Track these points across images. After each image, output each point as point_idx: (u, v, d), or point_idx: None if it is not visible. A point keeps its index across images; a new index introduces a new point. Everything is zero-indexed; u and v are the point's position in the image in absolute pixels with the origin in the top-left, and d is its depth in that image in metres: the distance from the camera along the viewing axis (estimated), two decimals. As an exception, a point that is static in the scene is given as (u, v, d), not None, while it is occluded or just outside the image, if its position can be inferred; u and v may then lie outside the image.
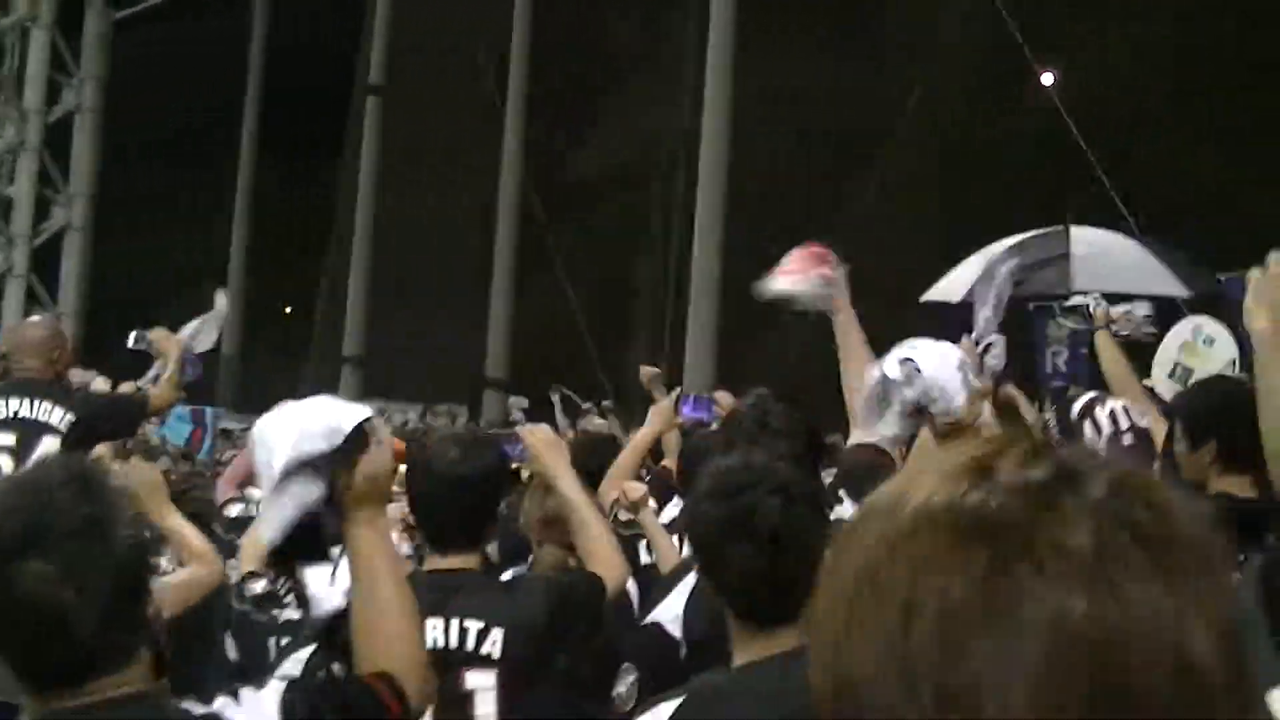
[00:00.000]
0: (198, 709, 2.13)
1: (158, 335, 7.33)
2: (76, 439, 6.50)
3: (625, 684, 3.63)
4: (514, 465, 5.49)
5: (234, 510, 7.20)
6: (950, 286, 11.58)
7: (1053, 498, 0.96)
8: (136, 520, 2.21)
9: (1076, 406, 4.04)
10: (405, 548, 5.34)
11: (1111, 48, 20.38)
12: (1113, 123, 18.98)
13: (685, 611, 3.85)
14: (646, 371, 6.98)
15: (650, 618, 3.81)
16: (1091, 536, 0.94)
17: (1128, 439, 3.93)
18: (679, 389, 6.32)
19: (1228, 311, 8.73)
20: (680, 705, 2.71)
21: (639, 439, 5.95)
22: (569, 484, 4.28)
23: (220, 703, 2.11)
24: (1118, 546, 0.93)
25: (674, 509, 5.57)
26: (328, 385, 29.57)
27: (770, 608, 2.83)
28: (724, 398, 6.27)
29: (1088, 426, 3.91)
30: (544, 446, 4.33)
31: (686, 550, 5.00)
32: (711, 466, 3.15)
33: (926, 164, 22.29)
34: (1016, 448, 1.02)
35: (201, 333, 7.83)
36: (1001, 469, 1.00)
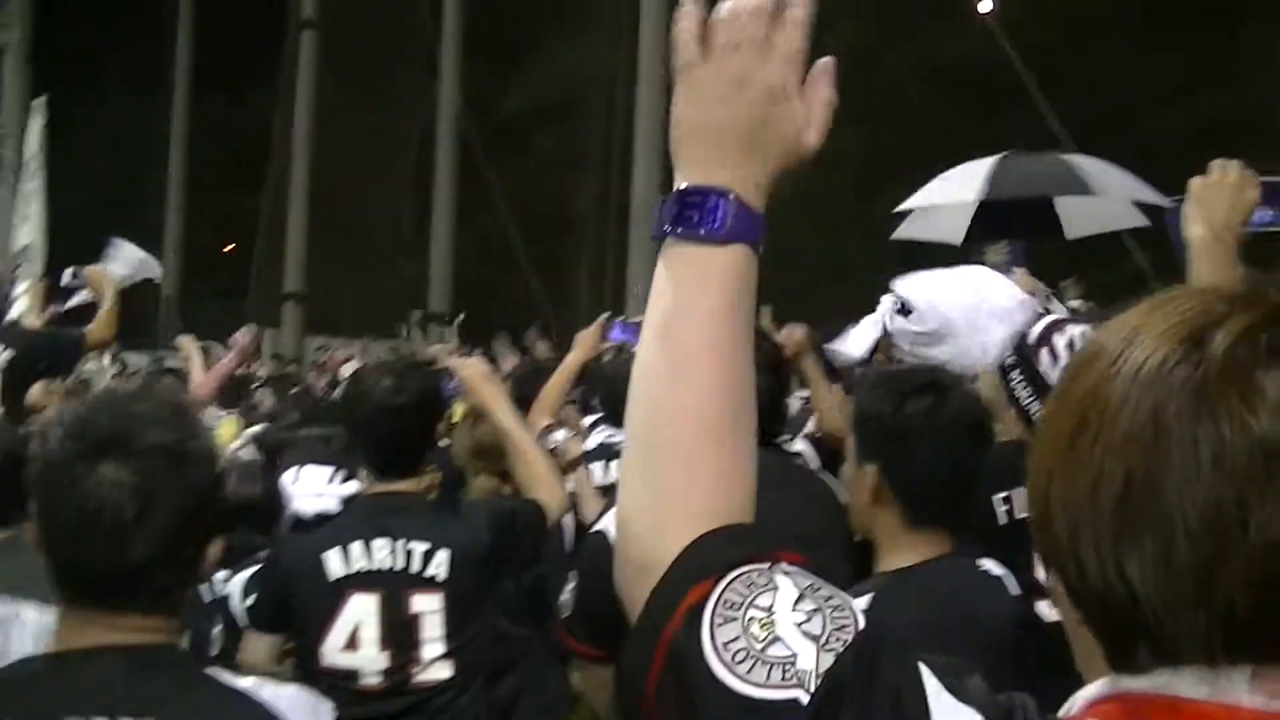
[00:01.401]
0: (232, 679, 2.10)
1: (91, 272, 7.27)
2: (15, 377, 6.45)
3: (568, 592, 3.68)
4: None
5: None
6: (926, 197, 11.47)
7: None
8: (214, 460, 2.20)
9: (1034, 331, 3.94)
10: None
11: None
12: (1048, 44, 19.05)
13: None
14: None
15: (596, 527, 3.85)
16: None
17: None
18: (608, 314, 6.32)
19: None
20: (870, 602, 2.62)
21: (566, 364, 5.99)
22: (504, 414, 4.32)
23: (252, 682, 2.09)
24: None
25: (599, 435, 5.74)
26: (269, 322, 29.42)
27: (944, 510, 2.88)
28: None
29: (1044, 354, 3.84)
30: (478, 379, 4.39)
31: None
32: (894, 370, 3.14)
33: (862, 91, 22.32)
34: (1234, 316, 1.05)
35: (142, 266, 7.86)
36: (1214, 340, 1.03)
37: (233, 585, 4.44)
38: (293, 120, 30.05)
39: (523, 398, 5.47)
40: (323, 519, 3.89)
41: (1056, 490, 1.06)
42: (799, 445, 5.09)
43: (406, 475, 3.95)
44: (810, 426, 5.57)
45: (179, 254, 35.96)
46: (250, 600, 4.40)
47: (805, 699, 1.08)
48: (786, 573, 1.17)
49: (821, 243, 24.05)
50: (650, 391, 1.32)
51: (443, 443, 5.10)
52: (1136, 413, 1.01)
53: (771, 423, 3.93)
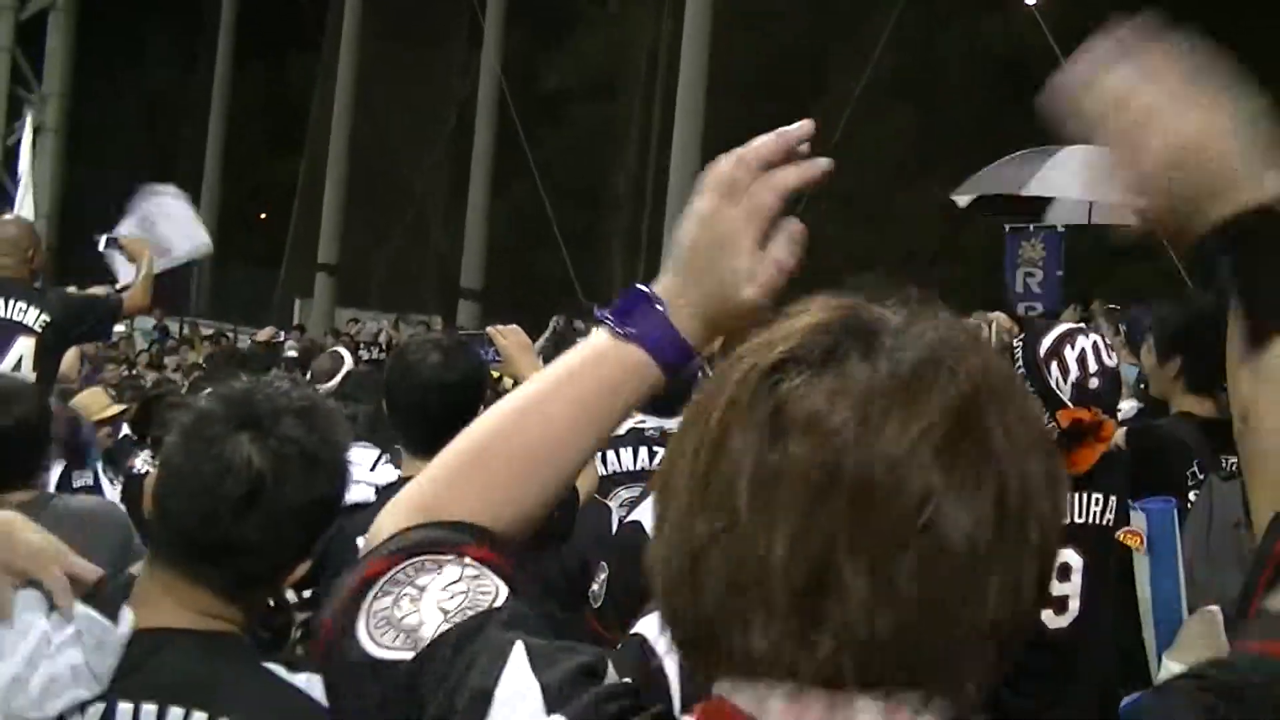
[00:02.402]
0: (289, 675, 2.11)
1: (129, 239, 7.27)
2: (51, 339, 6.46)
3: (599, 581, 3.65)
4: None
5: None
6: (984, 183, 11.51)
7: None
8: (343, 478, 2.23)
9: (1045, 342, 3.88)
10: None
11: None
12: (1091, 33, 18.92)
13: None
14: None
15: (633, 516, 3.82)
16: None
17: (1095, 382, 3.80)
18: None
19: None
20: None
21: None
22: None
23: (305, 679, 2.09)
24: None
25: (628, 420, 5.56)
26: (301, 292, 29.51)
27: None
28: None
29: (1054, 367, 3.79)
30: (516, 349, 4.33)
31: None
32: None
33: (903, 77, 22.25)
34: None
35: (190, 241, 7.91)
36: None
37: None
38: (333, 89, 30.09)
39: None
40: (356, 508, 3.83)
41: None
42: None
43: (449, 454, 3.92)
44: None
45: (214, 220, 36.08)
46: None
47: (410, 658, 1.18)
48: (460, 564, 1.25)
49: (852, 232, 24.03)
50: (518, 409, 1.43)
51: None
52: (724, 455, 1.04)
53: None
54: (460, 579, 1.23)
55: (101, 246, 7.40)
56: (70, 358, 7.18)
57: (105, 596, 2.04)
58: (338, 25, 30.58)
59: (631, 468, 5.29)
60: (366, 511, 4.13)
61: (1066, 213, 11.88)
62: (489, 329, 4.61)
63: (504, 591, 1.22)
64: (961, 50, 22.54)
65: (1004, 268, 13.36)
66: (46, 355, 6.41)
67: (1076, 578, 3.81)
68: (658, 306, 1.41)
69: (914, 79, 22.49)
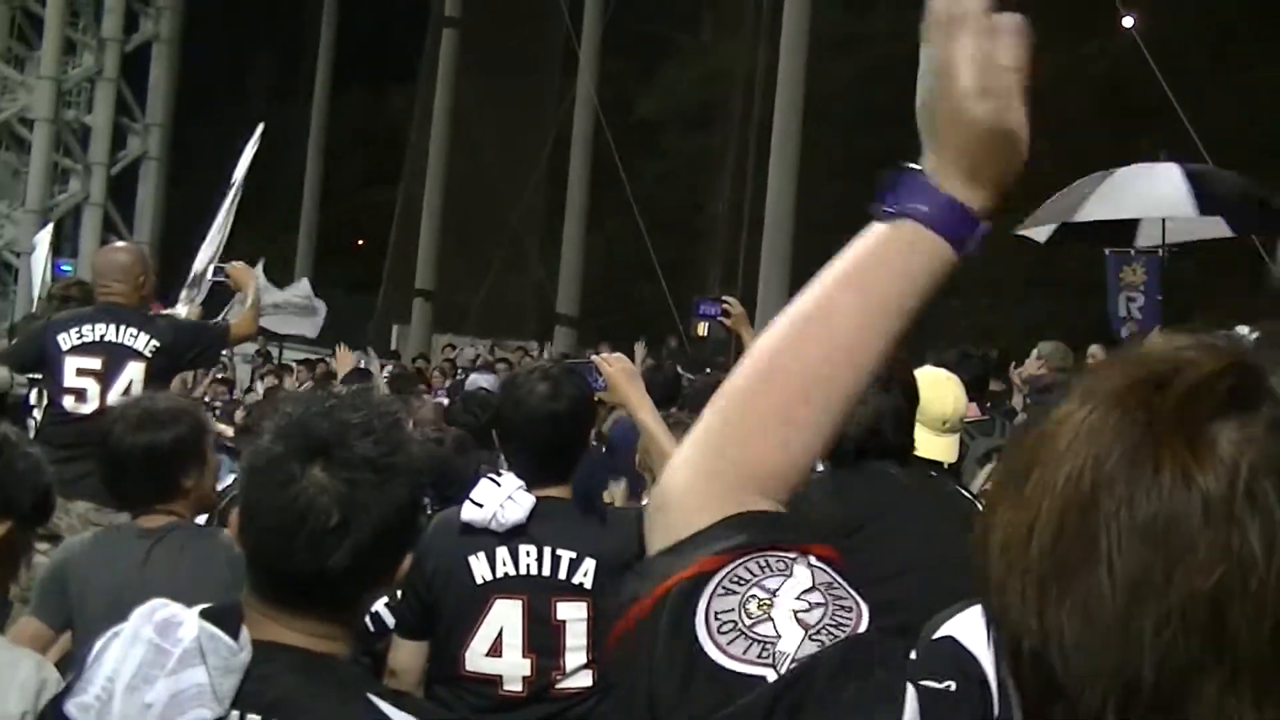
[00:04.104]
0: (391, 709, 2.07)
1: (235, 268, 7.36)
2: (160, 365, 6.54)
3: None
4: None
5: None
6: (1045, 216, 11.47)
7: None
8: (420, 475, 2.21)
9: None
10: None
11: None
12: (1191, 64, 18.73)
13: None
14: (735, 308, 6.86)
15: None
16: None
17: None
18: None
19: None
20: None
21: None
22: (648, 415, 4.25)
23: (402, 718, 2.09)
24: None
25: None
26: (398, 318, 29.74)
27: None
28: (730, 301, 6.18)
29: None
30: (622, 376, 4.31)
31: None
32: None
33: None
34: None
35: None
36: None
37: None
38: (430, 117, 30.35)
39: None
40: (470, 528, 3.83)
41: (996, 534, 0.98)
42: None
43: (558, 482, 3.92)
44: None
45: (311, 247, 36.51)
46: (380, 605, 4.40)
47: (772, 678, 1.07)
48: (810, 565, 1.15)
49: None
50: (790, 339, 1.29)
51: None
52: (1082, 456, 0.93)
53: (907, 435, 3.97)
54: (814, 587, 1.13)
55: (209, 276, 7.49)
56: (176, 384, 7.27)
57: (225, 612, 2.04)
58: (434, 55, 30.87)
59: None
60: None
61: (1156, 234, 11.77)
62: (595, 358, 4.61)
63: (864, 611, 1.12)
64: (1059, 73, 22.35)
65: (1105, 293, 13.21)
66: (155, 380, 6.48)
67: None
68: (922, 178, 1.28)
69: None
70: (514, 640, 3.77)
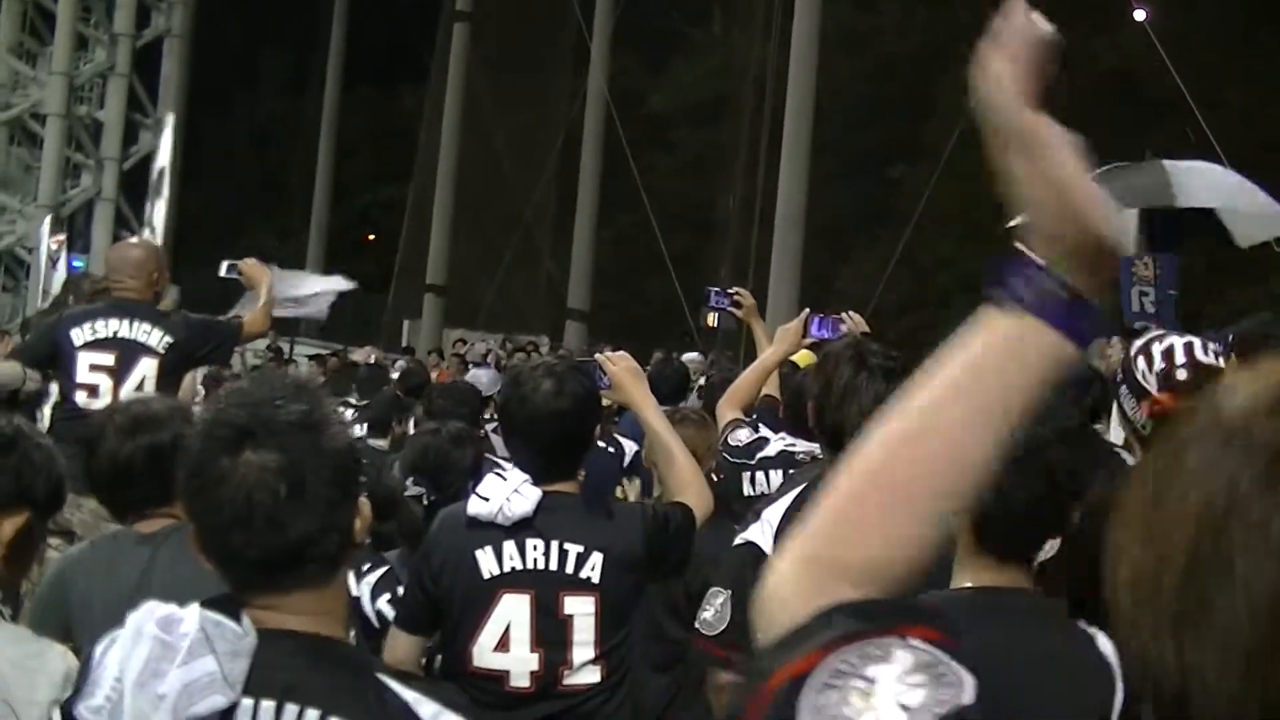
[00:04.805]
0: (401, 689, 2.11)
1: (248, 265, 7.36)
2: (173, 362, 6.56)
3: (714, 607, 3.64)
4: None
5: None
6: None
7: None
8: (348, 423, 2.25)
9: (1138, 343, 3.94)
10: None
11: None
12: (1204, 58, 18.69)
13: (779, 533, 3.83)
14: (746, 299, 6.81)
15: (742, 537, 3.80)
16: None
17: (1183, 374, 3.78)
18: (808, 310, 6.02)
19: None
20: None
21: (765, 359, 5.74)
22: (652, 414, 4.23)
23: (414, 697, 2.11)
24: None
25: (780, 443, 5.40)
26: (409, 313, 29.77)
27: (1021, 542, 2.78)
28: (855, 318, 6.00)
29: (1141, 360, 3.81)
30: (627, 375, 4.30)
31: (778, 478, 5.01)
32: None
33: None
34: None
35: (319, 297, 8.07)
36: None
37: (362, 588, 4.46)
38: (441, 113, 30.36)
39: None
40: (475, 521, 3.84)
41: (1124, 569, 0.97)
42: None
43: (564, 478, 3.93)
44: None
45: (323, 243, 36.55)
46: (382, 601, 4.42)
47: None
48: (909, 647, 1.12)
49: (962, 253, 23.82)
50: (908, 432, 1.27)
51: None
52: (1210, 485, 0.91)
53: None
54: (915, 668, 1.09)
55: (222, 272, 7.49)
56: (188, 380, 7.27)
57: (223, 599, 2.07)
58: (445, 51, 30.89)
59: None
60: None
61: (1252, 230, 11.71)
62: (598, 356, 4.60)
63: (969, 682, 1.08)
64: (1073, 70, 22.34)
65: (1118, 287, 13.18)
66: (167, 376, 6.51)
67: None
68: (1041, 271, 1.23)
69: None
70: (521, 635, 3.78)
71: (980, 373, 1.24)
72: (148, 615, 2.01)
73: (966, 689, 1.08)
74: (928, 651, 1.11)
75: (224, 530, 2.10)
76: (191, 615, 2.00)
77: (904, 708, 1.06)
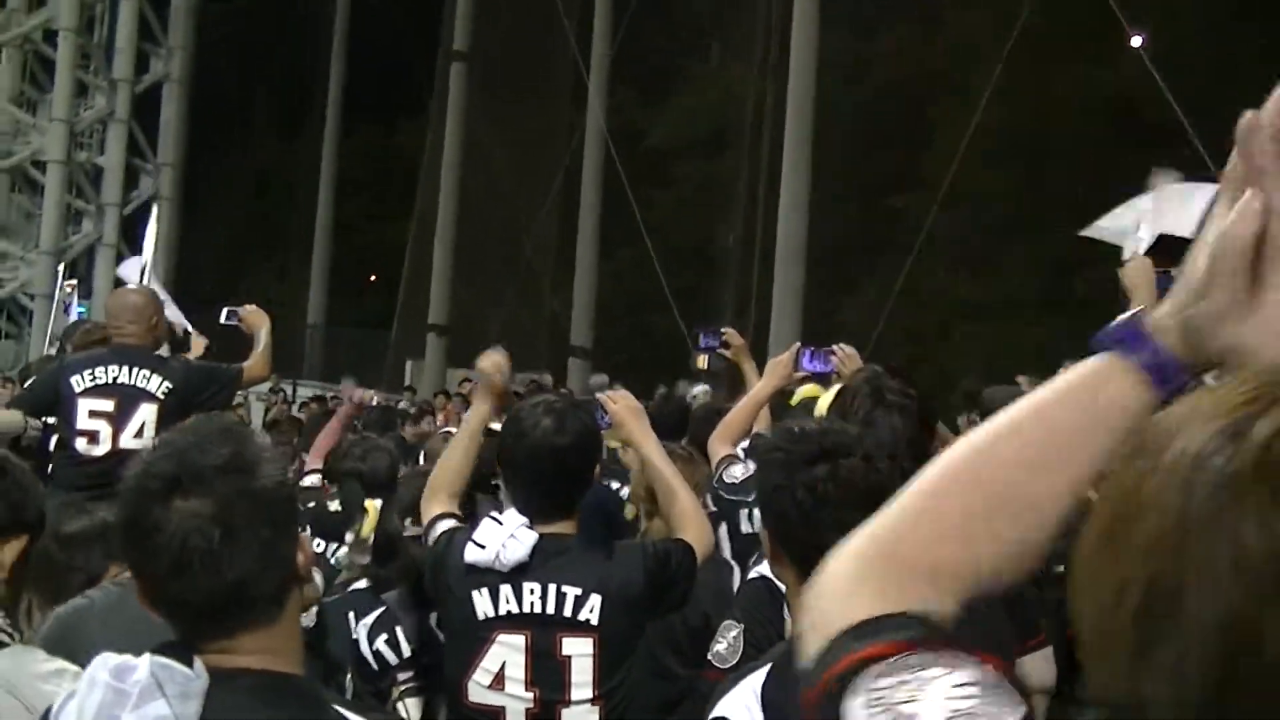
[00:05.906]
0: (356, 716, 2.15)
1: (249, 311, 7.38)
2: (173, 407, 6.57)
3: (727, 640, 3.62)
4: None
5: (308, 480, 7.27)
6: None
7: None
8: (280, 461, 2.27)
9: None
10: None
11: (1204, 8, 20.13)
12: (1201, 84, 18.72)
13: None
14: (735, 339, 6.80)
15: (756, 571, 3.79)
16: None
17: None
18: (798, 344, 5.98)
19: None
20: (769, 671, 2.66)
21: (757, 393, 5.73)
22: (653, 450, 4.23)
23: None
24: None
25: None
26: (412, 353, 29.77)
27: None
28: (846, 351, 5.97)
29: None
30: (627, 413, 4.29)
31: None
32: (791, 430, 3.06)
33: (1010, 127, 22.09)
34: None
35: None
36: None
37: (360, 630, 4.45)
38: (441, 152, 30.41)
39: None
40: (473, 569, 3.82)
41: (1084, 602, 0.96)
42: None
43: (563, 517, 3.91)
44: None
45: (324, 283, 36.58)
46: (380, 642, 4.41)
47: None
48: (981, 669, 1.12)
49: (960, 282, 23.82)
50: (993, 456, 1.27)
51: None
52: (1164, 512, 0.90)
53: None
54: (978, 683, 1.09)
55: (222, 319, 7.52)
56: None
57: (174, 645, 2.09)
58: (444, 90, 30.95)
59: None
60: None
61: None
62: (598, 395, 4.60)
63: (1022, 712, 1.07)
64: (1069, 97, 22.34)
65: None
66: (168, 421, 6.51)
67: None
68: (1153, 335, 1.24)
69: (1021, 128, 22.32)
70: (516, 674, 3.77)
71: (1057, 401, 1.26)
72: (101, 664, 2.03)
73: (1017, 714, 1.07)
74: (997, 677, 1.11)
75: (163, 579, 2.12)
76: (143, 662, 2.02)
77: (951, 709, 1.06)
